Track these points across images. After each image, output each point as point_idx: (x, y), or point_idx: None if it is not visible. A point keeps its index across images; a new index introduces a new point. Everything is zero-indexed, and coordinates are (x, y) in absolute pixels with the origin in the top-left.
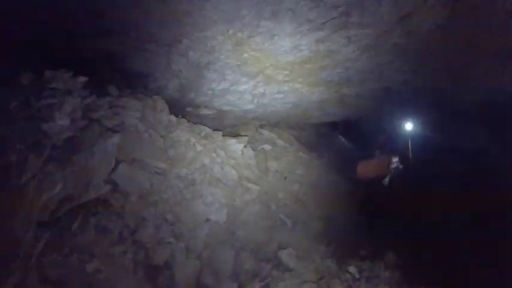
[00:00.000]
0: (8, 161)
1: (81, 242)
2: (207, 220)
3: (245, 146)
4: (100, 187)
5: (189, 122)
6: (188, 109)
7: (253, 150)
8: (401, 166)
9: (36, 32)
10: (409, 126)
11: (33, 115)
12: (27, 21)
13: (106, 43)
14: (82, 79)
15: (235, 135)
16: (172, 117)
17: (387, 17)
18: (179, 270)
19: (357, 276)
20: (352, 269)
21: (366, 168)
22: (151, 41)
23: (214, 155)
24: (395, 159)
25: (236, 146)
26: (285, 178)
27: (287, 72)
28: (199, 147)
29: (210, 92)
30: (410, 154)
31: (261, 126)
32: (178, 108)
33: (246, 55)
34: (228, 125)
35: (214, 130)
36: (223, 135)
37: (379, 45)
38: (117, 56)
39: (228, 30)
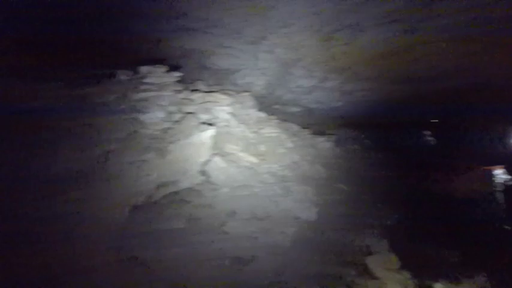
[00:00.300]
0: (108, 148)
1: (172, 227)
2: (296, 218)
3: (334, 145)
4: (194, 177)
5: (277, 118)
6: (275, 106)
7: (342, 149)
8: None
9: (129, 33)
10: None
11: (130, 107)
12: (118, 25)
13: (192, 42)
14: (176, 74)
15: (323, 133)
16: (262, 114)
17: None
18: (264, 266)
19: None
20: (438, 286)
21: (460, 182)
22: (236, 38)
23: (304, 152)
24: (499, 171)
25: (325, 144)
26: (373, 179)
27: (374, 67)
28: (289, 144)
29: (297, 89)
30: None
31: (348, 125)
32: (266, 105)
33: (333, 50)
34: (315, 123)
35: (302, 128)
36: (311, 133)
37: (473, 33)
38: (204, 53)
39: (313, 25)
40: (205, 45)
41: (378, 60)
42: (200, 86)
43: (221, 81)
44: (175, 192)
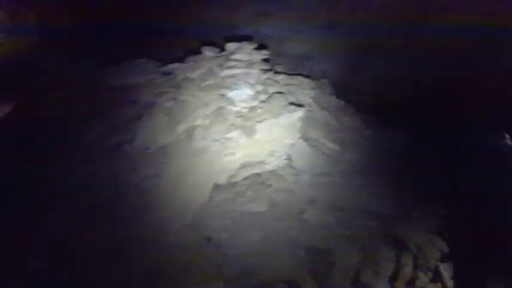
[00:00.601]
0: (193, 124)
1: (250, 211)
2: (375, 211)
3: (412, 138)
4: (279, 159)
5: (354, 107)
6: (351, 94)
7: (421, 144)
8: None
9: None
10: None
11: (217, 83)
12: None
13: (267, 27)
14: (263, 52)
15: (401, 125)
16: (341, 102)
17: None
18: (340, 260)
19: None
20: None
21: None
22: (312, 23)
23: (383, 143)
24: None
25: (403, 136)
26: (451, 180)
27: (456, 56)
28: (368, 134)
29: (373, 77)
30: None
31: (427, 119)
32: (342, 92)
33: (412, 35)
34: (393, 113)
35: (379, 118)
36: (389, 124)
37: None
38: (279, 39)
39: (392, 7)
40: (280, 30)
41: (460, 48)
42: (278, 69)
43: (297, 67)
44: (258, 174)
